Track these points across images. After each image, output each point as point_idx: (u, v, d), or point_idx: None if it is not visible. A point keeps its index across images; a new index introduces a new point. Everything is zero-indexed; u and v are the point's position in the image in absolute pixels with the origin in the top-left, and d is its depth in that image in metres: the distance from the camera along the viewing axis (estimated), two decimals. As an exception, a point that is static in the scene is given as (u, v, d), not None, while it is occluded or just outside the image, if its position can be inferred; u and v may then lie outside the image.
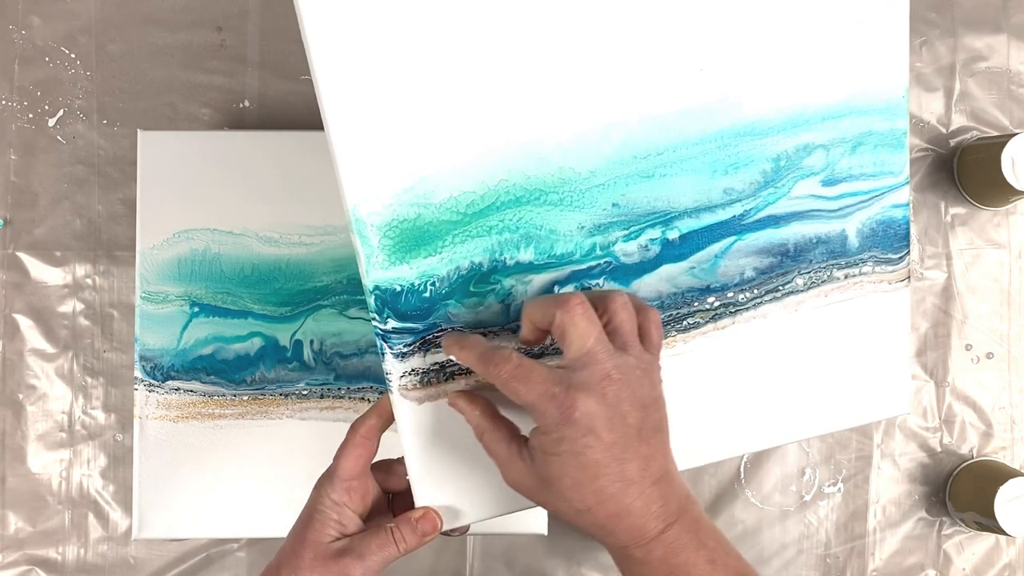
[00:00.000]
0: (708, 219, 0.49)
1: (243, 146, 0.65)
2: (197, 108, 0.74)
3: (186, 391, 0.65)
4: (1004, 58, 0.76)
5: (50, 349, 0.74)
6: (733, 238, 0.49)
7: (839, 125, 0.49)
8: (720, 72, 0.47)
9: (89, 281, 0.74)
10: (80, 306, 0.74)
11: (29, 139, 0.74)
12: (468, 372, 0.47)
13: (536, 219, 0.47)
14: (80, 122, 0.74)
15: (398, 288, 0.46)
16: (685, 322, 0.49)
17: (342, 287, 0.65)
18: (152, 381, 0.65)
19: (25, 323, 0.74)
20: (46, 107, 0.74)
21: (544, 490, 0.43)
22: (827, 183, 0.49)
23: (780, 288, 0.50)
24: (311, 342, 0.65)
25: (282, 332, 0.65)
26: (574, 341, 0.42)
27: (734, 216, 0.49)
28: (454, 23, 0.44)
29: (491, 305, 0.47)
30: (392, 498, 0.52)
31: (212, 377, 0.65)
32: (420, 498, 0.48)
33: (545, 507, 0.44)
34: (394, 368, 0.46)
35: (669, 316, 0.49)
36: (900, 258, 0.51)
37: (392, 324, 0.46)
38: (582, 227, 0.47)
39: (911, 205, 0.75)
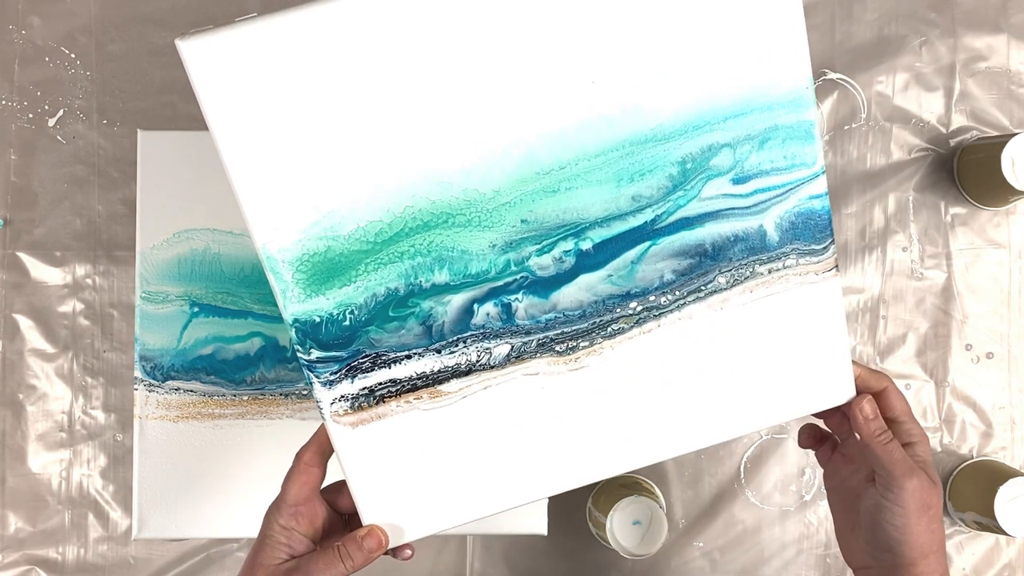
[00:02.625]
0: (619, 227, 0.49)
1: (243, 146, 0.65)
2: (197, 108, 0.74)
3: (186, 391, 0.65)
4: (1004, 58, 0.76)
5: (50, 349, 0.74)
6: (647, 243, 0.49)
7: (743, 123, 0.49)
8: (613, 82, 0.47)
9: (89, 281, 0.74)
10: (80, 306, 0.74)
11: (29, 139, 0.74)
12: (398, 394, 0.48)
13: (446, 241, 0.47)
14: (80, 122, 0.74)
15: (317, 319, 0.47)
16: (610, 328, 0.50)
17: (342, 287, 0.65)
18: (152, 381, 0.65)
19: (25, 323, 0.74)
20: (46, 107, 0.74)
21: None
22: (738, 181, 0.49)
23: (703, 288, 0.50)
24: (311, 342, 0.65)
25: (282, 332, 0.65)
26: None
27: (645, 222, 0.49)
28: (340, 58, 0.45)
29: (412, 328, 0.48)
30: (348, 520, 0.53)
31: (212, 377, 0.65)
32: (365, 516, 0.50)
33: None
34: (323, 396, 0.48)
35: (593, 324, 0.49)
36: (824, 248, 0.51)
37: (316, 354, 0.47)
38: (493, 245, 0.48)
39: (918, 207, 0.75)
